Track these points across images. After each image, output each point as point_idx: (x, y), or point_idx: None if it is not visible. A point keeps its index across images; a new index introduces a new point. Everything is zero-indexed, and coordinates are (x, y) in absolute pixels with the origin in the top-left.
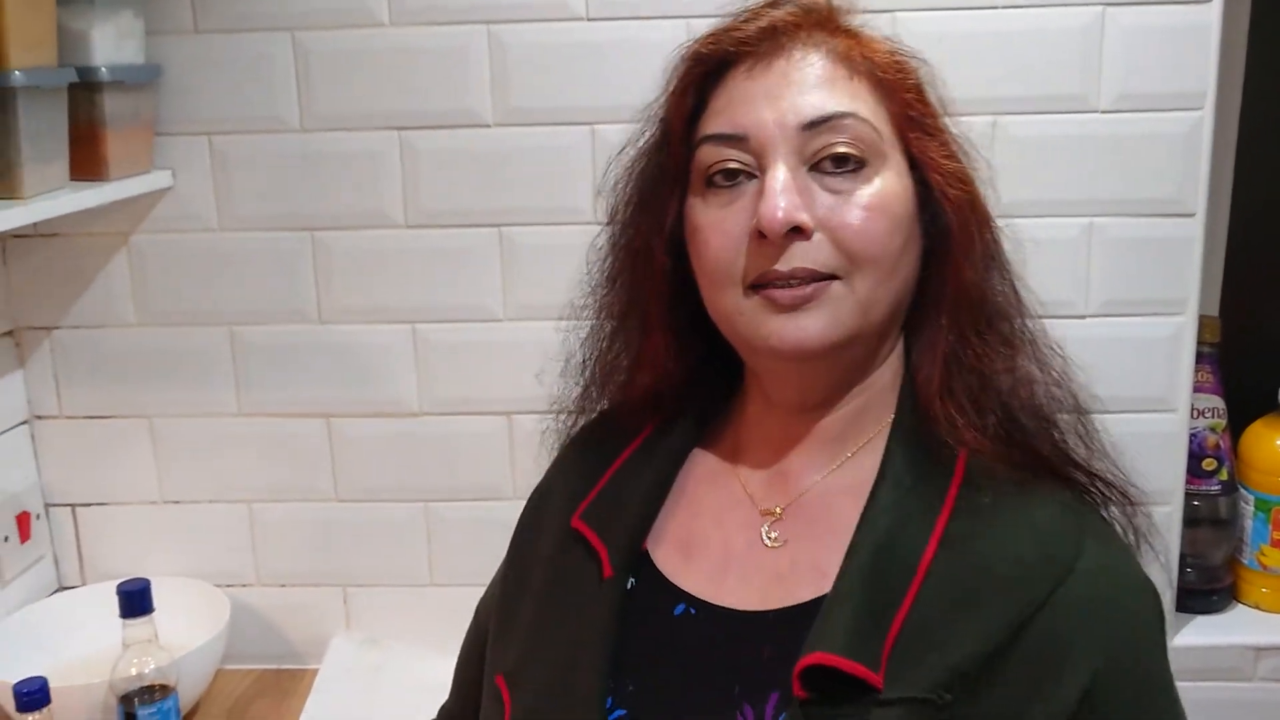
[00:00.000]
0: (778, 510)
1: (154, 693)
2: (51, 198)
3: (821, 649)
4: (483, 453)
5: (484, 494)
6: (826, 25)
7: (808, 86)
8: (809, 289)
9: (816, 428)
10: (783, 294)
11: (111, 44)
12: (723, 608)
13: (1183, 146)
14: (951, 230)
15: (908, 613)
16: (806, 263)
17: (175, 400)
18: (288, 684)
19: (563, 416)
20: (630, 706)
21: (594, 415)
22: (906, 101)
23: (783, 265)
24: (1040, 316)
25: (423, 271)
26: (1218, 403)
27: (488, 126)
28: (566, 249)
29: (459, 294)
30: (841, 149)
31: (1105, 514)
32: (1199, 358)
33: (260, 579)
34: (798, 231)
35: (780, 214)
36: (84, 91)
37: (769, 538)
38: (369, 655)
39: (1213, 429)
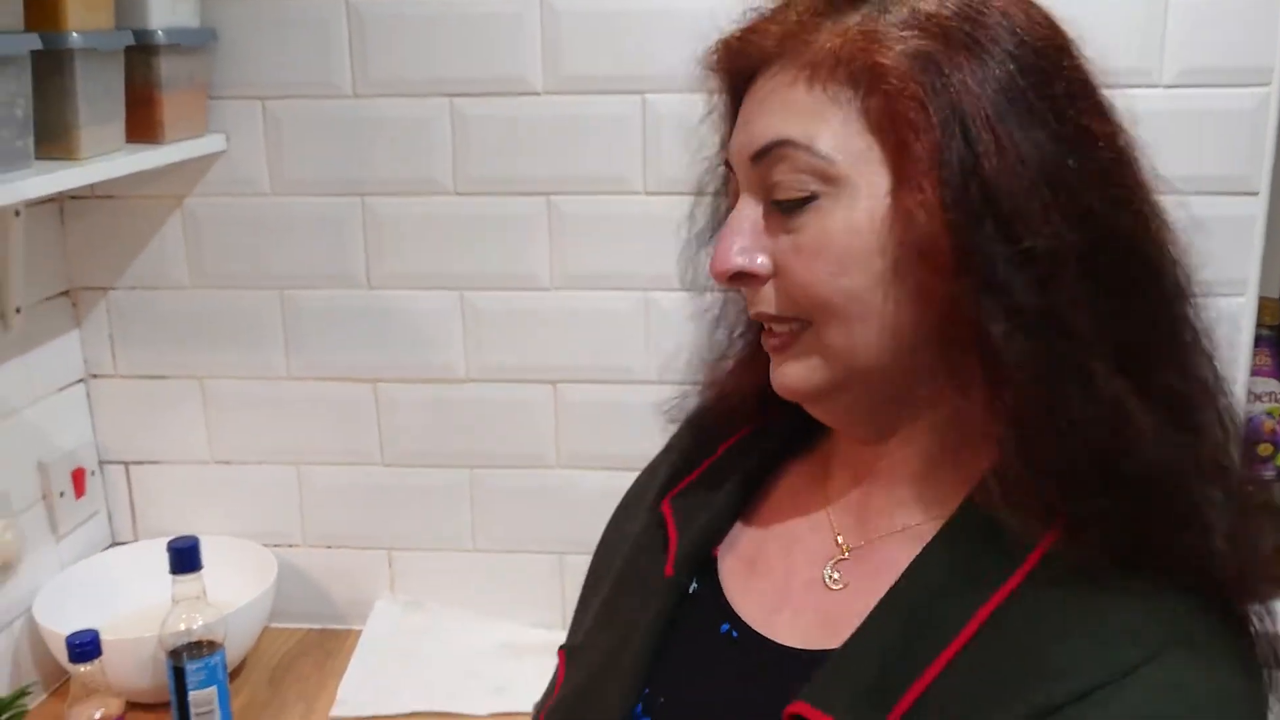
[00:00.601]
0: (847, 551)
1: (202, 648)
2: (107, 160)
3: (810, 701)
4: (527, 420)
5: (528, 462)
6: (839, 9)
7: (767, 108)
8: (776, 338)
9: (889, 462)
10: (765, 338)
11: (167, 7)
12: (766, 639)
13: (1248, 123)
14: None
15: (927, 688)
16: (764, 307)
17: (226, 362)
18: (331, 644)
19: (683, 392)
20: (655, 718)
21: (710, 396)
22: (905, 103)
23: (751, 308)
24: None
25: (471, 238)
26: (1275, 386)
27: (538, 94)
28: (615, 219)
29: (507, 261)
30: (778, 185)
31: (1243, 644)
32: (1258, 340)
33: (306, 540)
34: (751, 277)
35: (717, 264)
36: (140, 54)
37: (830, 578)
38: (412, 618)
39: (1270, 414)
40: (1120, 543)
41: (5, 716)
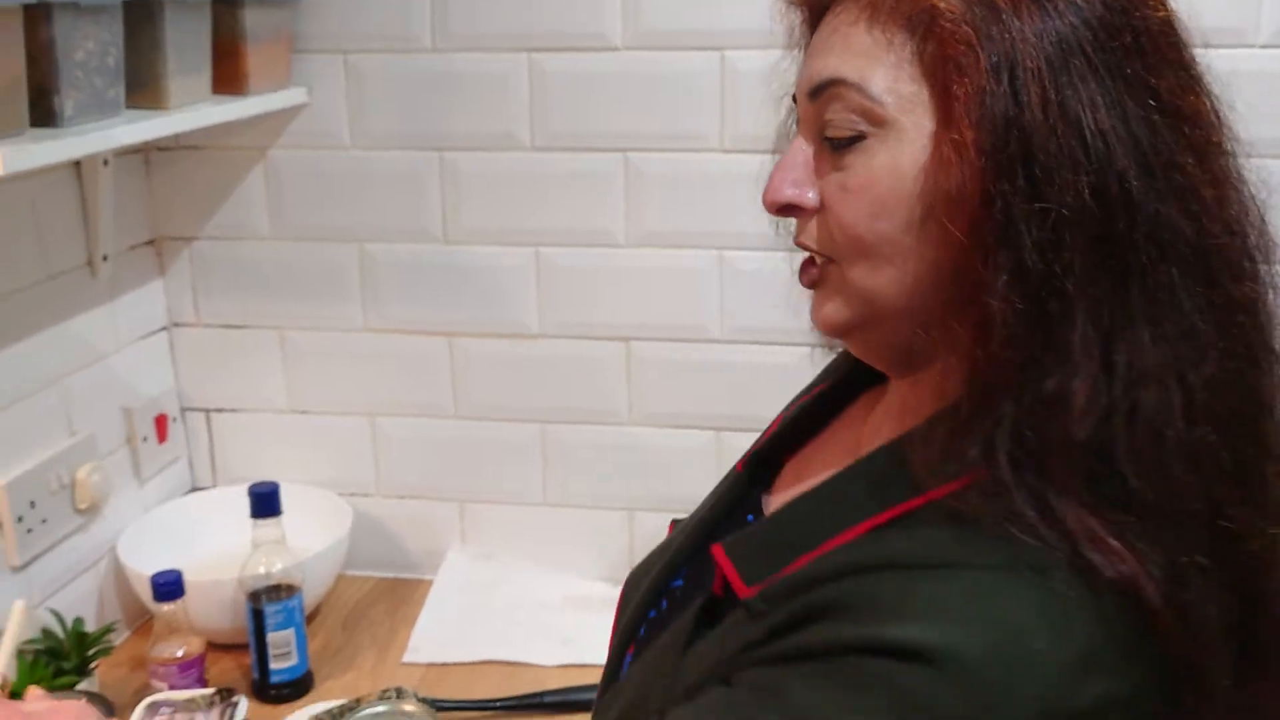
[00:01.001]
0: None
1: (280, 591)
2: (194, 109)
3: (724, 545)
4: (599, 377)
5: (599, 418)
6: None
7: (827, 46)
8: (813, 270)
9: (911, 399)
10: (802, 270)
11: None
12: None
13: None
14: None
15: (797, 570)
16: (806, 239)
17: (305, 313)
18: (403, 592)
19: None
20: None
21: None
22: (957, 47)
23: (795, 238)
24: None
25: (547, 195)
26: None
27: (617, 50)
28: (692, 176)
29: (582, 218)
30: (830, 123)
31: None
32: None
33: (380, 490)
34: (798, 209)
35: (767, 195)
36: (226, 7)
37: None
38: (482, 569)
39: None
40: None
41: (92, 651)
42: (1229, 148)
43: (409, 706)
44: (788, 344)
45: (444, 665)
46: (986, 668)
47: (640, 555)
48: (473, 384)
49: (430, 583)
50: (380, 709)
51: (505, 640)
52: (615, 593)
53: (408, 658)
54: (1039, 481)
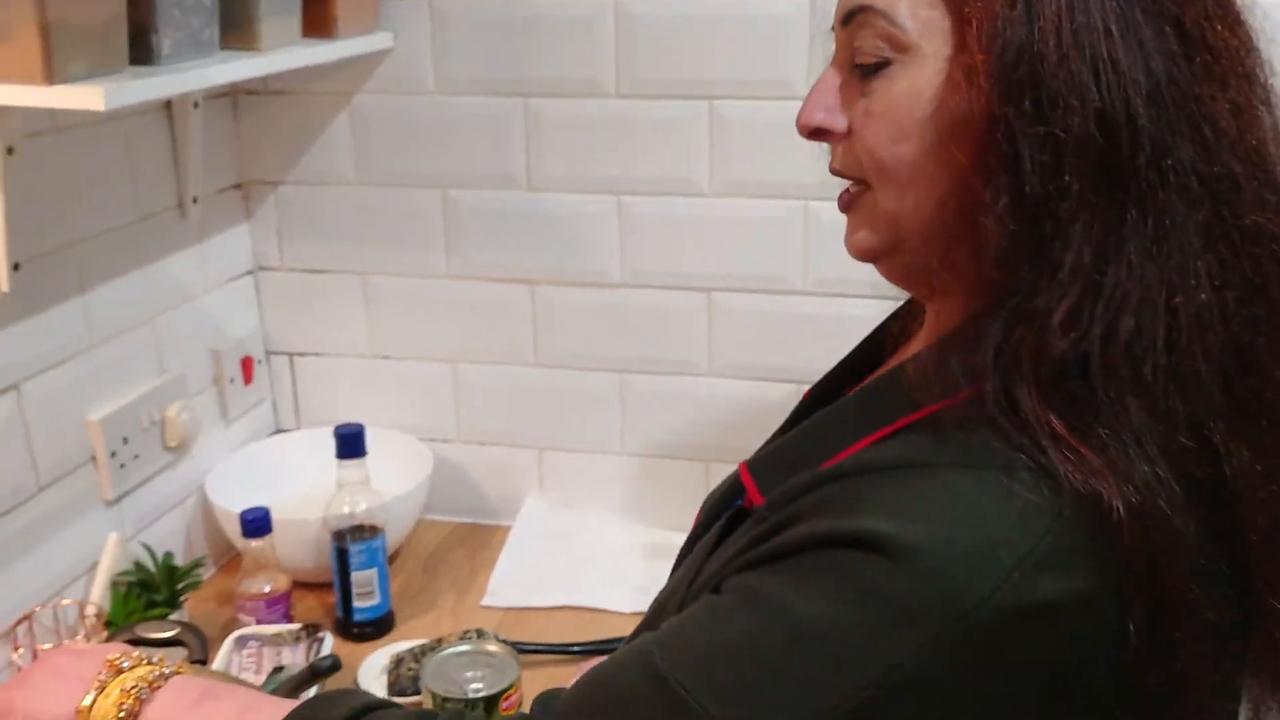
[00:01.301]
0: None
1: (363, 531)
2: (285, 51)
3: (749, 463)
4: (680, 327)
5: (679, 368)
6: None
7: None
8: (845, 195)
9: (938, 325)
10: (839, 197)
11: None
12: None
13: None
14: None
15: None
16: (837, 164)
17: (388, 258)
18: (482, 537)
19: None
20: None
21: None
22: None
23: (830, 165)
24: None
25: (632, 142)
26: None
27: None
28: (779, 125)
29: (666, 166)
30: (859, 50)
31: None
32: None
33: (460, 436)
34: (829, 133)
35: (800, 119)
36: None
37: None
38: (559, 516)
39: None
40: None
41: (182, 585)
42: (1261, 78)
43: (492, 648)
44: (871, 297)
45: (522, 610)
46: (943, 558)
47: None
48: (553, 332)
49: (508, 528)
50: (463, 649)
51: (582, 587)
52: None
53: (486, 601)
54: (1018, 393)
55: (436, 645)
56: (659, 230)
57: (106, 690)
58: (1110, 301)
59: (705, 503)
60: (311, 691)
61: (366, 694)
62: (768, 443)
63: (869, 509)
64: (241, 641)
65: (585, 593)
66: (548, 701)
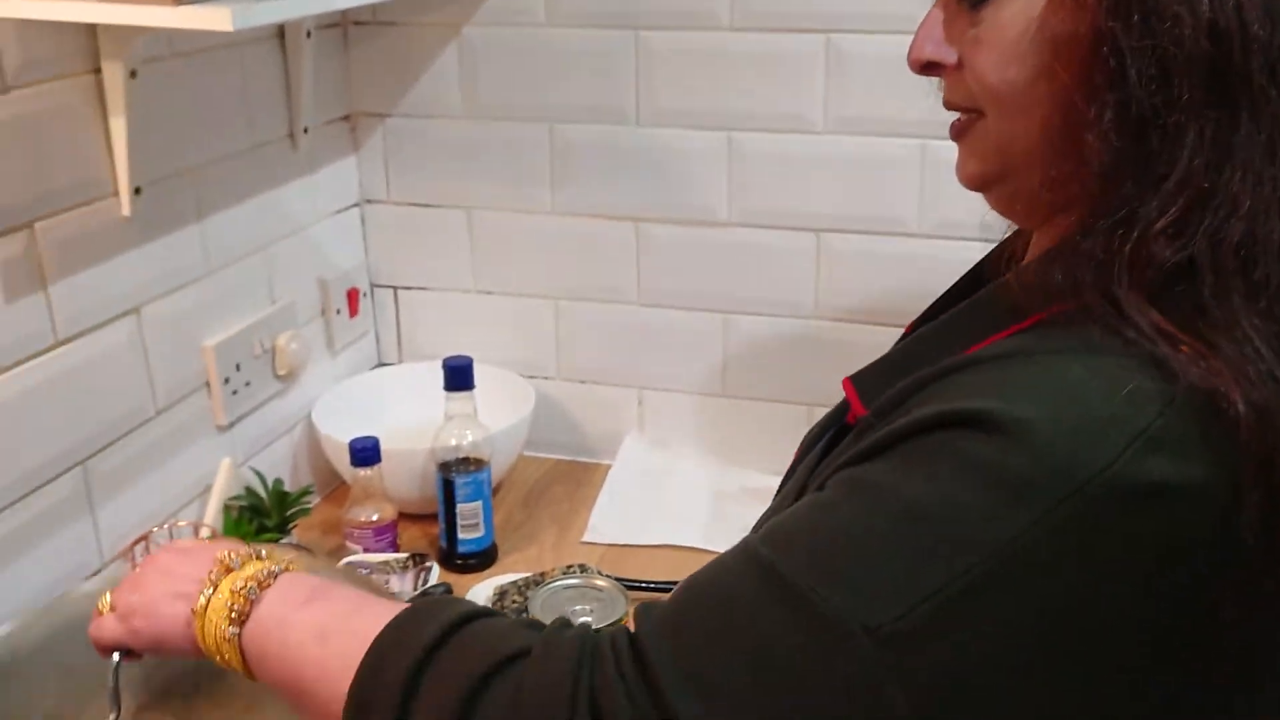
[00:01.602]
0: None
1: (469, 464)
2: None
3: (853, 378)
4: (787, 268)
5: (785, 310)
6: None
7: None
8: (958, 123)
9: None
10: (951, 126)
11: None
12: None
13: None
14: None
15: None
16: (949, 95)
17: (493, 193)
18: (581, 475)
19: None
20: None
21: None
22: None
23: (943, 97)
24: None
25: (744, 77)
26: None
27: None
28: (897, 59)
29: (779, 103)
30: None
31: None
32: None
33: (560, 373)
34: (939, 66)
35: (910, 54)
36: None
37: None
38: (658, 456)
39: None
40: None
41: (292, 511)
42: None
43: (600, 582)
44: (993, 240)
45: (623, 547)
46: (1053, 434)
47: None
48: (657, 270)
49: (607, 467)
50: (573, 582)
51: (683, 527)
52: None
53: (587, 537)
54: (1124, 298)
55: (540, 579)
56: (769, 168)
57: (219, 589)
58: (1219, 208)
59: (803, 440)
60: None
61: (472, 602)
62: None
63: (975, 392)
64: (351, 568)
65: (686, 533)
66: (649, 609)
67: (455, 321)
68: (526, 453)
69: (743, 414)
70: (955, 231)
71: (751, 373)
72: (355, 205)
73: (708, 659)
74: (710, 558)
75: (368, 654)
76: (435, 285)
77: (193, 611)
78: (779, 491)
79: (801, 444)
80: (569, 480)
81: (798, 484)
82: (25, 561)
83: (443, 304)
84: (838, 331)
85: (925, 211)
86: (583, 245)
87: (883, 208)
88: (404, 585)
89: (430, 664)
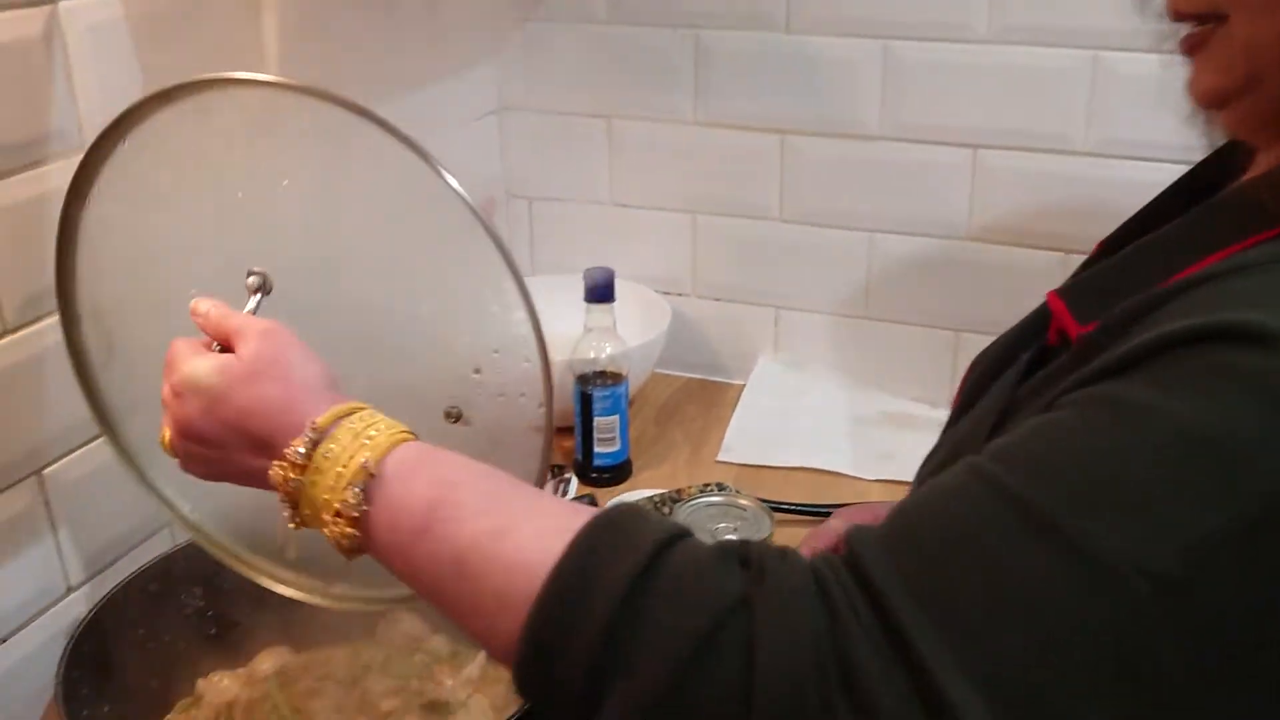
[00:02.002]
0: None
1: (607, 378)
2: None
3: (1059, 291)
4: (940, 186)
5: (935, 229)
6: None
7: None
8: (1193, 36)
9: None
10: (1180, 41)
11: None
12: None
13: None
14: None
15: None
16: (1181, 5)
17: (633, 102)
18: (713, 394)
19: None
20: None
21: None
22: None
23: (1170, 8)
24: None
25: None
26: None
27: None
28: None
29: (940, 8)
30: None
31: None
32: None
33: (696, 290)
34: None
35: None
36: None
37: None
38: (793, 378)
39: None
40: None
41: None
42: None
43: (744, 501)
44: (1166, 160)
45: (758, 467)
46: None
47: None
48: (802, 185)
49: (740, 386)
50: (716, 500)
51: (820, 449)
52: (932, 415)
53: (722, 456)
54: None
55: (677, 496)
56: (925, 79)
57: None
58: None
59: (974, 364)
60: None
61: (665, 519)
62: (1072, 277)
63: (1233, 303)
64: None
65: (824, 455)
66: (863, 535)
67: (590, 234)
68: (658, 370)
69: (885, 337)
70: (1127, 150)
71: (896, 295)
72: (493, 113)
73: (967, 618)
74: (850, 483)
75: (549, 586)
76: (570, 196)
77: (313, 426)
78: (954, 419)
79: (975, 366)
80: (700, 399)
81: (995, 406)
82: None
83: (578, 216)
84: (991, 254)
85: (1093, 129)
86: (724, 157)
87: (1045, 123)
88: None
89: (635, 614)
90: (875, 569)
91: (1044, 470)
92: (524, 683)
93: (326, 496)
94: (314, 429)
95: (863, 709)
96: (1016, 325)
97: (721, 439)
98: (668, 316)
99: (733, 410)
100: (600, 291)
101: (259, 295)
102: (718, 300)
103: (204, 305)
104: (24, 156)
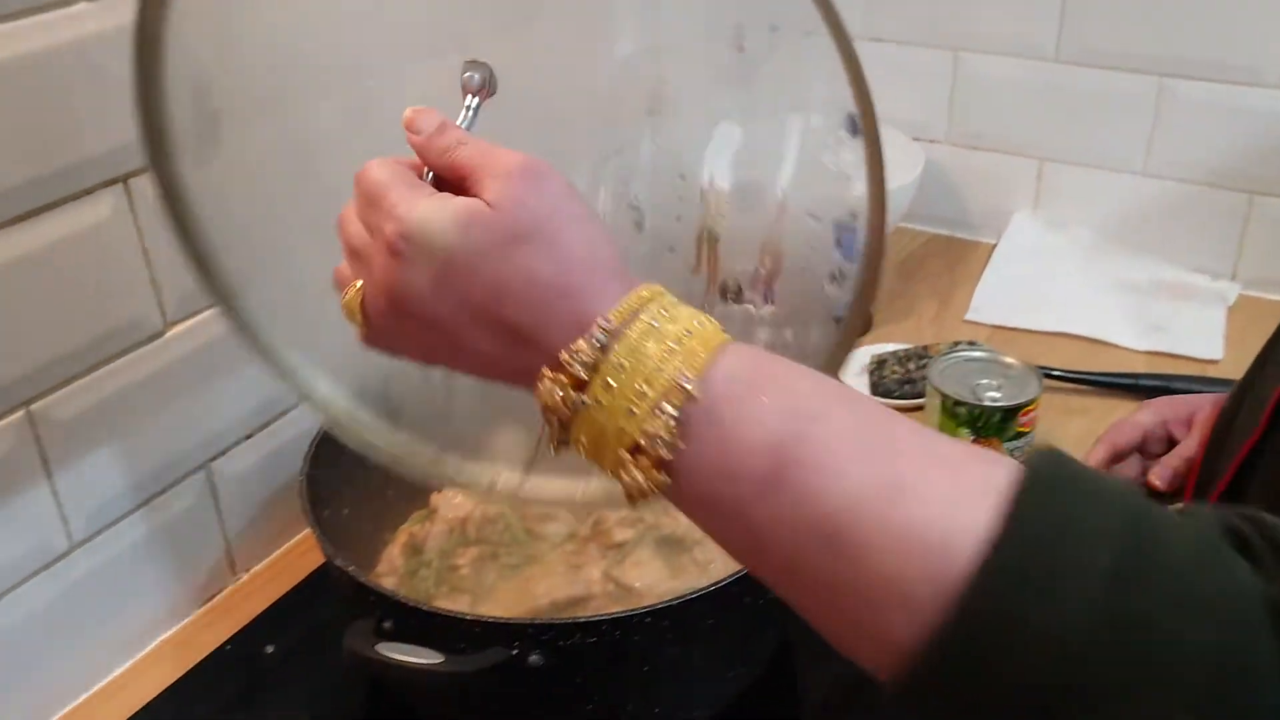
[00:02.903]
0: None
1: (855, 218)
2: None
3: None
4: (1244, 26)
5: (1236, 76)
6: None
7: None
8: None
9: None
10: None
11: None
12: None
13: None
14: None
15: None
16: None
17: None
18: (959, 252)
19: None
20: None
21: None
22: None
23: None
24: None
25: None
26: None
27: None
28: None
29: None
30: None
31: None
32: None
33: (950, 138)
34: None
35: None
36: None
37: None
38: (1053, 238)
39: None
40: None
41: None
42: None
43: (1009, 359)
44: None
45: (1012, 330)
46: None
47: (1256, 250)
48: (1084, 20)
49: (989, 246)
50: (978, 355)
51: (1082, 315)
52: (1214, 288)
53: (971, 316)
54: None
55: (924, 352)
56: None
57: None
58: None
59: None
60: None
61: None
62: None
63: None
64: None
65: (1087, 322)
66: None
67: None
68: (901, 223)
69: (1164, 197)
70: None
71: (1184, 150)
72: None
73: None
74: (1117, 353)
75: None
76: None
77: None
78: None
79: None
80: (947, 255)
81: None
82: None
83: (822, 50)
84: None
85: None
86: None
87: None
88: None
89: (1122, 622)
90: None
91: None
92: (924, 700)
93: (623, 424)
94: (604, 327)
95: None
96: None
97: (970, 298)
98: (920, 164)
99: (982, 268)
100: (853, 126)
101: (475, 98)
102: (974, 149)
103: (427, 120)
104: None
